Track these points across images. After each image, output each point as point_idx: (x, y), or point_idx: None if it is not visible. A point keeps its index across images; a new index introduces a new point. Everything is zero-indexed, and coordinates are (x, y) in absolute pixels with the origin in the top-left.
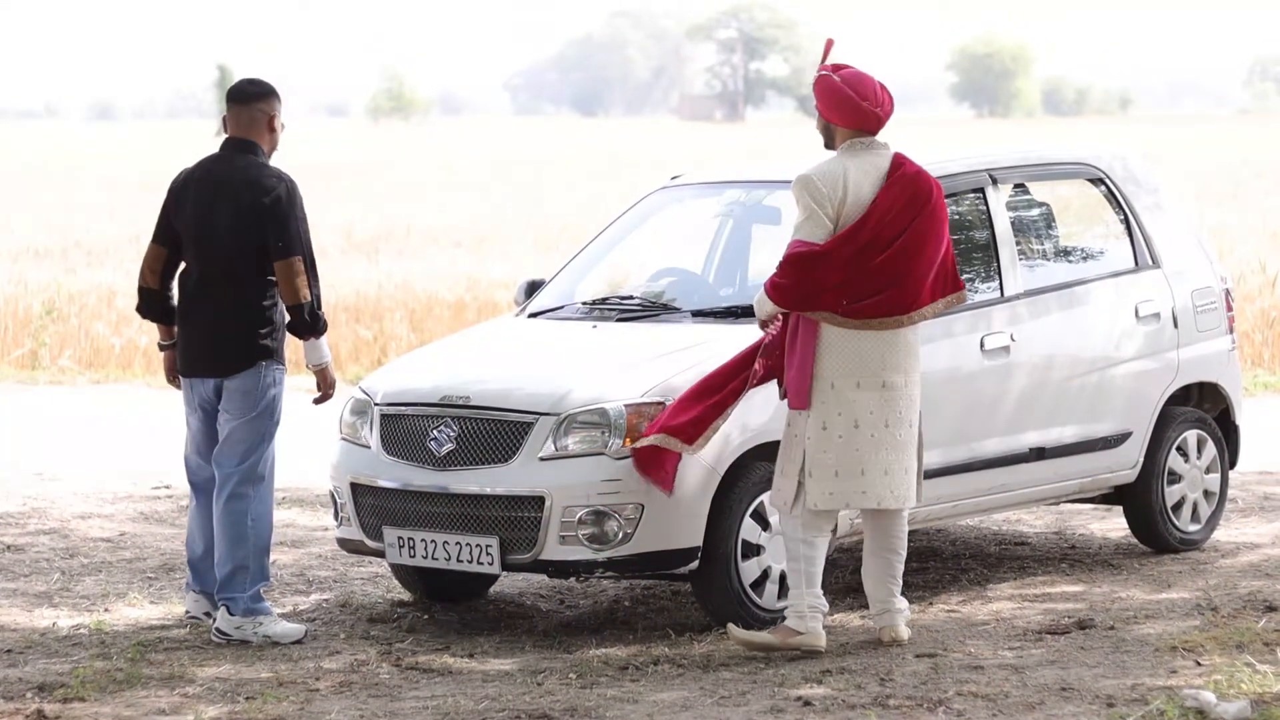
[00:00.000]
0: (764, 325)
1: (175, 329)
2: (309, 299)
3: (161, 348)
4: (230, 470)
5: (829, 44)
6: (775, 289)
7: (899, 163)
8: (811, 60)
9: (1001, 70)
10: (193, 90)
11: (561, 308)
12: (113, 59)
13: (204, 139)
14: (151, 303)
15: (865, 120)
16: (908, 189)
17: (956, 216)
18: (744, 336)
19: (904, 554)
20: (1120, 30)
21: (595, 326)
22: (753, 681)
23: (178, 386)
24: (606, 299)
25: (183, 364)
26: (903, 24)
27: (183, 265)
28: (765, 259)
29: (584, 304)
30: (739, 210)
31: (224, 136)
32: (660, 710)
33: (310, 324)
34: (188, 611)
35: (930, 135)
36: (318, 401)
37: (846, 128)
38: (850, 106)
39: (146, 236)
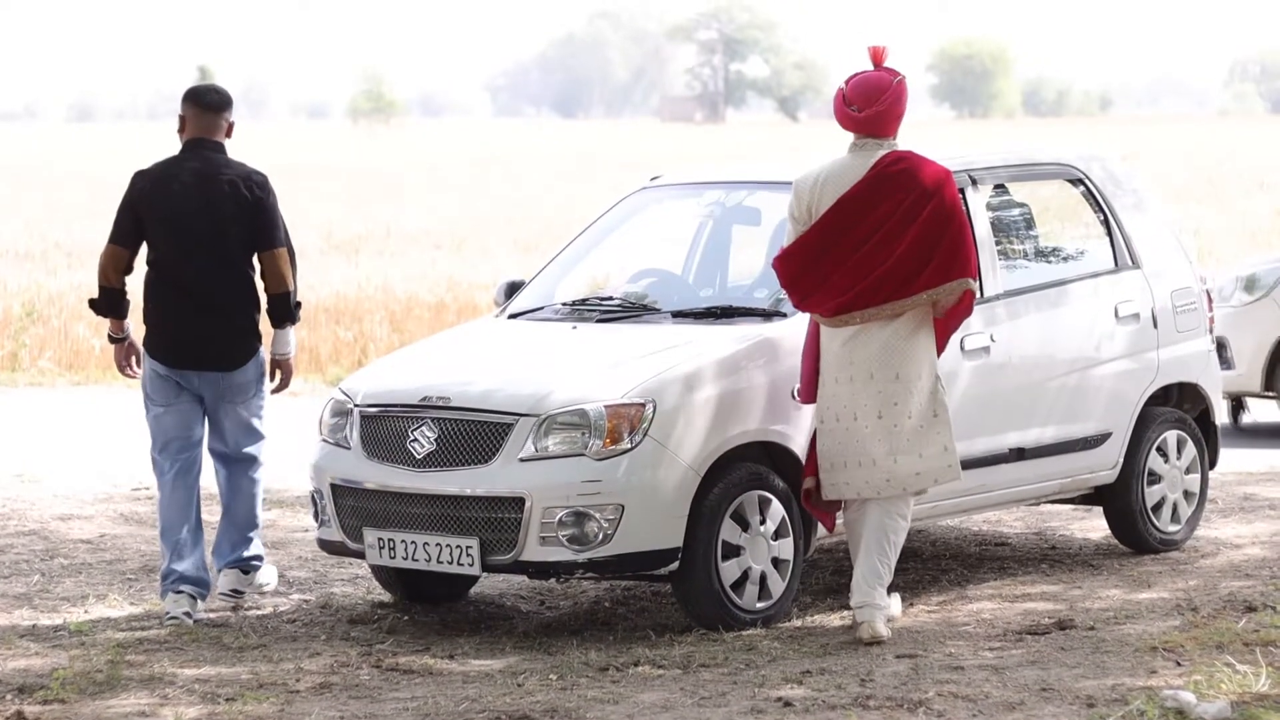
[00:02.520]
0: None
1: (128, 322)
2: (292, 287)
3: (113, 340)
4: (254, 444)
5: (873, 52)
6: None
7: (882, 160)
8: (791, 62)
9: (981, 71)
10: (174, 91)
11: (542, 309)
12: (93, 60)
13: None
14: (112, 300)
15: (844, 122)
16: (878, 185)
17: None
18: (724, 337)
19: (890, 551)
20: (1100, 31)
21: (575, 327)
22: (733, 682)
23: (132, 375)
24: (586, 300)
25: (179, 357)
26: (882, 26)
27: (151, 258)
28: (745, 260)
29: (564, 305)
30: (719, 211)
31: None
32: (641, 711)
33: (291, 312)
34: (167, 613)
35: (910, 137)
36: (274, 391)
37: (846, 130)
38: (836, 110)
39: None
